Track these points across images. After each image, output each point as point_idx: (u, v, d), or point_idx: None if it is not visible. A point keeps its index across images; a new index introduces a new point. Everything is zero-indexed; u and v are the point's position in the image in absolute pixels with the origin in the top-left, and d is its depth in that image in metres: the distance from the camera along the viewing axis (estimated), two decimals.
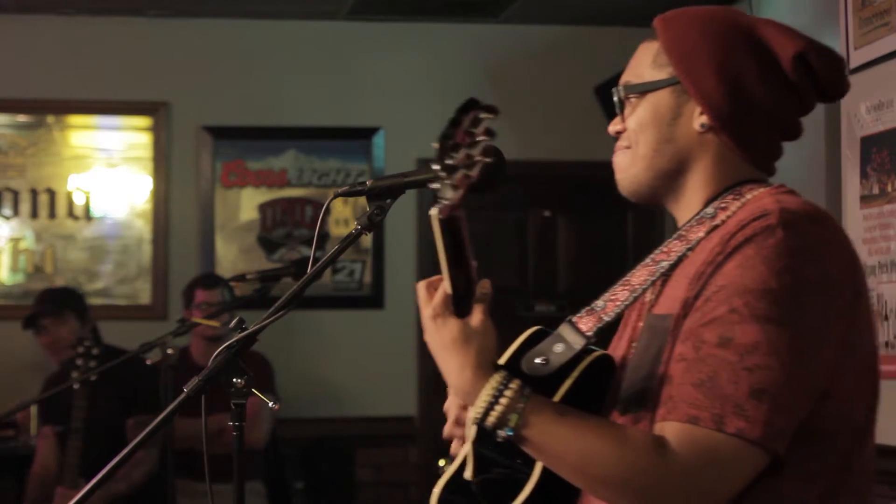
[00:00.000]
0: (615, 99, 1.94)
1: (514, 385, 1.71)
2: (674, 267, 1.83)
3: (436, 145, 1.62)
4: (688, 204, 1.90)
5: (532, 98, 6.61)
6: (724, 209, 1.83)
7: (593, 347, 1.84)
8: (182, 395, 1.88)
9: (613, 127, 1.95)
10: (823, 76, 1.86)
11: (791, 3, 5.50)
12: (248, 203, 6.50)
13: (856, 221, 4.15)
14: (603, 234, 6.75)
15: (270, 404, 2.00)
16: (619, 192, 1.95)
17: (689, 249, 1.82)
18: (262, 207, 6.51)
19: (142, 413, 4.85)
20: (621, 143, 1.94)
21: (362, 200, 1.95)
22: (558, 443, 1.70)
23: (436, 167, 1.62)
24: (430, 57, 6.60)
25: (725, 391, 1.65)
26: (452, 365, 1.74)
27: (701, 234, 1.83)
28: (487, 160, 1.61)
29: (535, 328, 1.89)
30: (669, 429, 1.68)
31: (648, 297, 1.89)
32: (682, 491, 1.67)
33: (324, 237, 6.39)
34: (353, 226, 1.92)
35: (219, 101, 6.46)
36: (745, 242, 1.72)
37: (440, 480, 1.90)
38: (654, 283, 1.84)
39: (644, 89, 1.90)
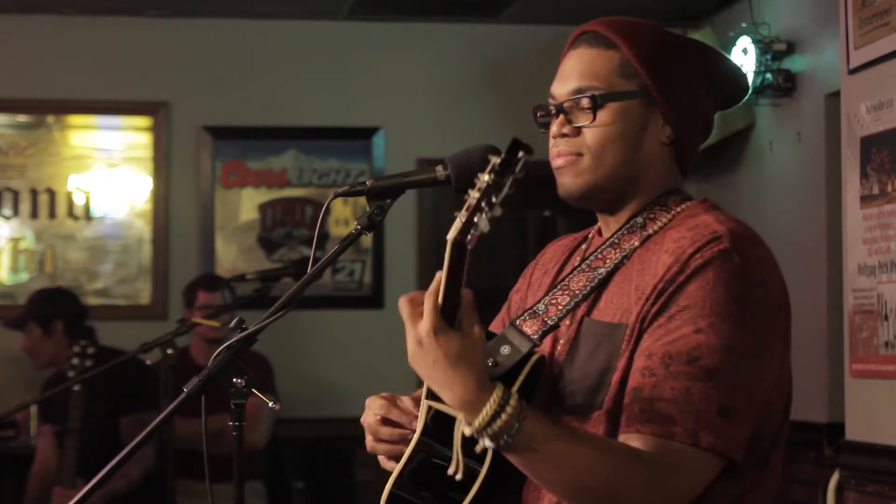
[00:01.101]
0: (568, 103, 1.96)
1: (514, 396, 1.74)
2: (611, 274, 1.93)
3: (487, 179, 1.63)
4: (627, 211, 1.98)
5: (532, 98, 6.53)
6: (652, 220, 1.94)
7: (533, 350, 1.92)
8: (182, 395, 1.88)
9: (561, 128, 1.97)
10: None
11: (791, 3, 5.49)
12: (248, 203, 6.50)
13: (856, 221, 4.15)
14: None
15: (270, 404, 2.00)
16: (560, 193, 2.03)
17: (626, 258, 1.92)
18: (262, 207, 6.51)
19: (137, 412, 4.85)
20: (568, 148, 1.97)
21: (362, 200, 1.96)
22: (553, 451, 1.76)
23: (484, 205, 1.63)
24: (430, 57, 6.60)
25: (697, 408, 1.77)
26: (458, 378, 1.73)
27: (635, 244, 1.93)
28: (511, 192, 1.65)
29: None
30: (645, 441, 1.78)
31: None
32: (659, 497, 1.78)
33: (324, 237, 6.39)
34: (353, 226, 1.93)
35: (219, 101, 6.46)
36: (704, 265, 1.82)
37: (390, 479, 1.98)
38: (594, 289, 1.93)
39: (622, 98, 1.93)
